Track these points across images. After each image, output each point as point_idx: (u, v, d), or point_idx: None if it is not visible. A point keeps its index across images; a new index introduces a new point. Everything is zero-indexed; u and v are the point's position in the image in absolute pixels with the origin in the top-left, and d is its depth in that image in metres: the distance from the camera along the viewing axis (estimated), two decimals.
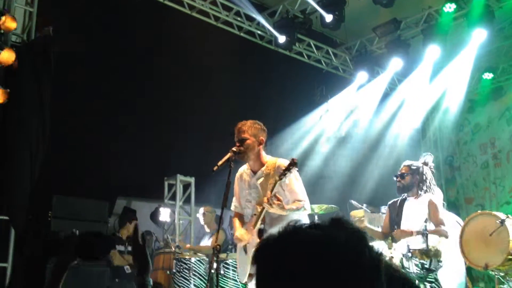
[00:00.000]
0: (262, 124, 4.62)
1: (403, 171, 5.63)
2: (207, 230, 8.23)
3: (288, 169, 4.19)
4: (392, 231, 5.57)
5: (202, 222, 8.32)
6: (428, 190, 5.54)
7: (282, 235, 1.29)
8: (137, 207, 9.27)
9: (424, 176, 5.61)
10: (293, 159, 4.26)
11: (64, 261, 5.23)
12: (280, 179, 4.17)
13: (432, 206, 5.37)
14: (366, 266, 1.24)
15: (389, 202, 5.97)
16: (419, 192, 5.56)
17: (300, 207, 4.34)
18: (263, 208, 4.24)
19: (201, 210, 8.33)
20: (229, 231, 9.08)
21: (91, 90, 7.51)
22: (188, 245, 7.92)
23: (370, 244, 1.29)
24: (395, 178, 5.67)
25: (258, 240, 4.21)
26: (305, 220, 4.64)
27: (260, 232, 4.31)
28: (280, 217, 4.37)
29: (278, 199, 4.17)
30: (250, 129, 4.51)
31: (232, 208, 4.80)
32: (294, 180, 4.41)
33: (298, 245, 1.25)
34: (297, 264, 1.22)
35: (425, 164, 5.75)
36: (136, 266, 6.01)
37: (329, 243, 1.23)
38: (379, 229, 5.89)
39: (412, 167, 5.63)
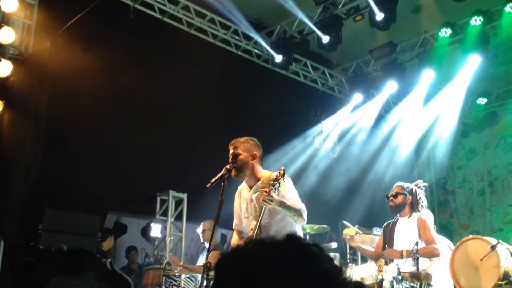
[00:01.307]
0: (256, 140, 4.63)
1: (396, 190, 5.67)
2: (207, 246, 8.16)
3: (276, 179, 4.19)
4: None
5: (201, 239, 8.26)
6: (420, 210, 5.59)
7: (235, 252, 1.29)
8: (128, 222, 9.25)
9: (417, 197, 5.66)
10: (281, 169, 4.25)
11: (45, 276, 5.18)
12: (270, 190, 4.16)
13: (421, 223, 5.40)
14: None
15: (384, 224, 5.99)
16: (412, 212, 5.60)
17: (298, 208, 4.31)
18: (258, 220, 4.21)
19: (201, 226, 8.29)
20: (220, 249, 9.03)
21: (86, 105, 7.51)
22: (181, 263, 7.85)
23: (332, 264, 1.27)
24: (387, 198, 5.71)
25: None
26: (299, 233, 4.64)
27: None
28: (277, 233, 4.36)
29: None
30: (243, 144, 4.53)
31: (234, 226, 4.79)
32: (288, 188, 4.40)
33: (246, 262, 1.24)
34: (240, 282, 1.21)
35: (417, 186, 5.80)
36: None
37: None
38: (372, 249, 5.90)
39: (405, 187, 5.67)
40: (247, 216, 4.58)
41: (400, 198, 5.63)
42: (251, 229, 4.31)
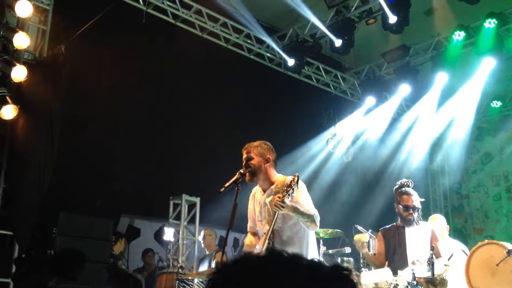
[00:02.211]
0: (270, 144, 4.63)
1: (414, 204, 5.61)
2: (207, 252, 8.22)
3: (290, 185, 4.18)
4: (389, 259, 5.56)
5: (202, 245, 8.31)
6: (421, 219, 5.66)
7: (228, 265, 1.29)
8: (141, 225, 9.28)
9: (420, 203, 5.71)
10: (295, 176, 4.24)
11: (40, 281, 5.19)
12: (283, 196, 4.15)
13: (433, 236, 5.44)
14: None
15: (382, 229, 5.95)
16: (418, 221, 5.63)
17: (311, 215, 4.28)
18: (271, 225, 4.20)
19: (202, 233, 8.33)
20: (232, 253, 9.05)
21: (100, 108, 7.56)
22: (194, 272, 7.85)
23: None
24: (407, 210, 5.62)
25: None
26: (313, 242, 4.60)
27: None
28: (290, 239, 4.35)
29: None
30: (256, 148, 4.53)
31: (248, 229, 4.79)
32: (301, 193, 4.38)
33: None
34: None
35: (409, 186, 5.81)
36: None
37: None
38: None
39: (418, 198, 5.67)
40: (260, 220, 4.57)
41: (417, 212, 5.64)
42: (264, 234, 4.30)
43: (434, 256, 4.91)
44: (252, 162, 4.47)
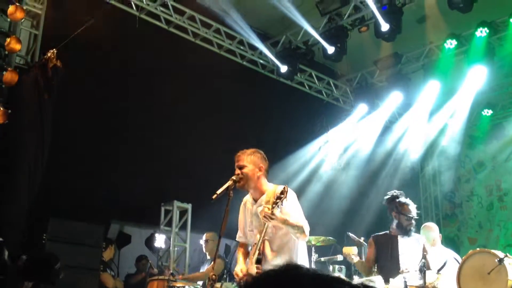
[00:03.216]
0: (263, 153, 4.61)
1: (414, 214, 5.71)
2: (208, 257, 8.16)
3: (279, 197, 4.16)
4: (380, 267, 5.58)
5: (204, 249, 8.25)
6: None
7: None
8: (132, 232, 9.21)
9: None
10: (284, 187, 4.22)
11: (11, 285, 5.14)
12: (273, 208, 4.13)
13: (424, 249, 5.48)
14: None
15: (374, 235, 5.98)
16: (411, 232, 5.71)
17: (299, 225, 4.26)
18: (262, 235, 4.19)
19: (204, 237, 8.26)
20: (228, 258, 9.00)
21: (90, 114, 7.52)
22: (180, 276, 7.82)
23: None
24: (409, 220, 5.71)
25: (256, 269, 4.16)
26: (304, 251, 4.58)
27: (258, 262, 4.25)
28: (280, 248, 4.33)
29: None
30: (249, 156, 4.50)
31: (237, 238, 4.76)
32: (290, 204, 4.35)
33: None
34: None
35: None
36: None
37: None
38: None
39: (415, 209, 5.74)
40: (251, 230, 4.55)
41: (414, 221, 5.73)
42: (255, 244, 4.29)
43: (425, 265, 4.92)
44: (244, 170, 4.44)
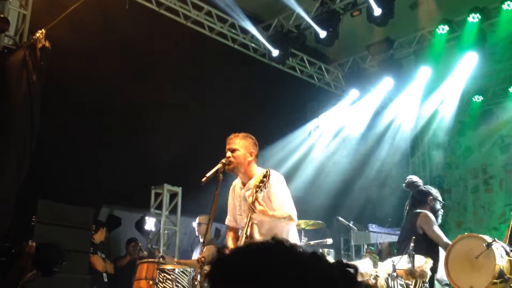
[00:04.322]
0: (254, 138, 4.60)
1: None
2: (201, 240, 8.15)
3: (262, 181, 4.15)
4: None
5: (196, 232, 8.24)
6: None
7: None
8: (122, 215, 9.21)
9: None
10: (266, 171, 4.22)
11: (18, 276, 5.13)
12: (256, 192, 4.13)
13: (422, 221, 5.64)
14: None
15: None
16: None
17: (285, 215, 4.27)
18: (249, 219, 4.19)
19: (197, 220, 8.25)
20: (219, 243, 9.02)
21: (80, 95, 7.46)
22: (175, 259, 7.82)
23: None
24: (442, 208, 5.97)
25: None
26: (294, 234, 4.60)
27: None
28: (270, 231, 4.33)
29: (260, 204, 4.12)
30: (241, 141, 4.50)
31: (226, 222, 4.77)
32: (276, 189, 4.36)
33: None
34: None
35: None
36: None
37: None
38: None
39: None
40: (240, 214, 4.56)
41: None
42: (243, 228, 4.29)
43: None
44: (235, 154, 4.45)
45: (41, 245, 5.52)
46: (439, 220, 5.96)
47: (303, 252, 1.26)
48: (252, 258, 1.25)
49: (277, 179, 4.38)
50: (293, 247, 1.26)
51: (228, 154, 4.47)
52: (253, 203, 4.08)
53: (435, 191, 6.09)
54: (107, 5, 7.78)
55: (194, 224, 8.29)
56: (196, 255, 8.05)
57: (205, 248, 4.54)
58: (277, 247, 1.26)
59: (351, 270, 1.28)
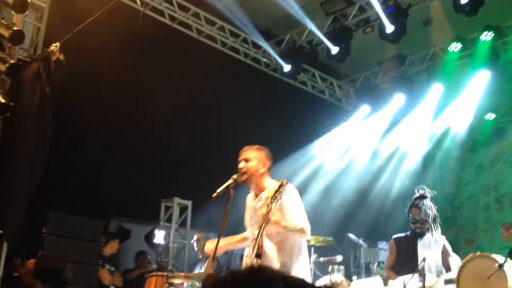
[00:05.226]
0: (268, 150, 4.61)
1: (422, 217, 5.65)
2: (200, 257, 8.15)
3: (278, 191, 4.13)
4: (401, 269, 5.54)
5: (196, 249, 8.24)
6: (436, 229, 5.65)
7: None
8: (132, 228, 9.21)
9: (435, 215, 5.70)
10: (282, 181, 4.19)
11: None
12: (271, 202, 4.11)
13: (445, 251, 5.46)
14: None
15: (396, 237, 5.96)
16: (432, 232, 5.65)
17: (298, 228, 4.22)
18: (261, 230, 4.16)
19: (195, 236, 8.25)
20: (221, 258, 9.00)
21: (91, 109, 7.50)
22: (183, 274, 7.80)
23: None
24: (415, 223, 5.68)
25: (255, 262, 4.17)
26: (305, 249, 4.56)
27: (258, 256, 4.24)
28: (281, 244, 4.30)
29: (274, 215, 4.08)
30: (255, 152, 4.52)
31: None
32: (290, 202, 4.33)
33: None
34: None
35: (426, 197, 5.79)
36: None
37: None
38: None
39: (427, 212, 5.68)
40: (252, 225, 4.54)
41: (426, 224, 5.67)
42: (254, 239, 4.27)
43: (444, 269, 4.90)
44: (248, 164, 4.44)
45: (37, 258, 5.54)
46: (422, 236, 5.75)
47: (280, 282, 1.27)
48: None
49: (291, 192, 4.37)
50: (271, 276, 1.27)
51: (241, 164, 4.46)
52: (267, 213, 4.05)
53: (410, 206, 5.86)
54: (121, 20, 7.86)
55: (193, 241, 8.30)
56: (197, 270, 8.04)
57: (211, 261, 4.51)
58: (254, 278, 1.27)
59: None
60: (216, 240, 4.29)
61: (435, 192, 6.03)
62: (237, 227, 4.77)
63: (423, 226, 5.65)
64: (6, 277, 5.80)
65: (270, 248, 4.31)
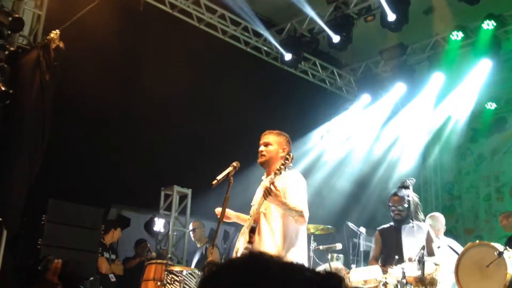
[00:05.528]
0: (288, 136, 4.65)
1: (401, 204, 5.69)
2: (198, 245, 8.18)
3: (283, 164, 4.14)
4: (387, 258, 5.57)
5: (193, 238, 8.26)
6: (418, 217, 5.70)
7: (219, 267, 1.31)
8: (131, 216, 9.23)
9: (417, 205, 5.74)
10: (290, 154, 4.22)
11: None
12: (276, 174, 4.12)
13: (429, 237, 5.48)
14: None
15: (380, 228, 5.98)
16: (414, 220, 5.67)
17: (297, 209, 4.17)
18: (261, 202, 4.16)
19: (190, 226, 8.27)
20: (222, 246, 9.03)
21: (92, 97, 7.48)
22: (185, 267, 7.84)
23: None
24: (393, 210, 5.73)
25: (248, 238, 4.21)
26: (304, 237, 4.54)
27: (252, 231, 4.26)
28: (277, 223, 4.27)
29: (277, 189, 4.05)
30: (276, 136, 4.58)
31: None
32: (295, 186, 4.33)
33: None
34: None
35: (408, 187, 5.83)
36: None
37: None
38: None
39: (406, 199, 5.71)
40: (253, 204, 4.54)
41: (405, 211, 5.69)
42: (251, 216, 4.30)
43: (425, 255, 4.91)
44: (268, 148, 4.50)
45: (67, 261, 5.59)
46: (403, 224, 5.78)
47: (278, 268, 1.26)
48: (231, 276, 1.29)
49: (298, 178, 4.40)
50: (269, 262, 1.26)
51: (261, 148, 4.52)
52: (270, 183, 4.04)
53: (390, 195, 5.95)
54: (120, 8, 7.82)
55: (189, 231, 8.33)
56: (195, 261, 8.09)
57: (211, 249, 4.52)
58: (252, 264, 1.26)
59: (333, 282, 1.27)
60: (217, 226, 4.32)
61: (414, 180, 6.04)
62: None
63: (402, 213, 5.69)
64: (32, 267, 5.81)
65: (265, 228, 4.29)
